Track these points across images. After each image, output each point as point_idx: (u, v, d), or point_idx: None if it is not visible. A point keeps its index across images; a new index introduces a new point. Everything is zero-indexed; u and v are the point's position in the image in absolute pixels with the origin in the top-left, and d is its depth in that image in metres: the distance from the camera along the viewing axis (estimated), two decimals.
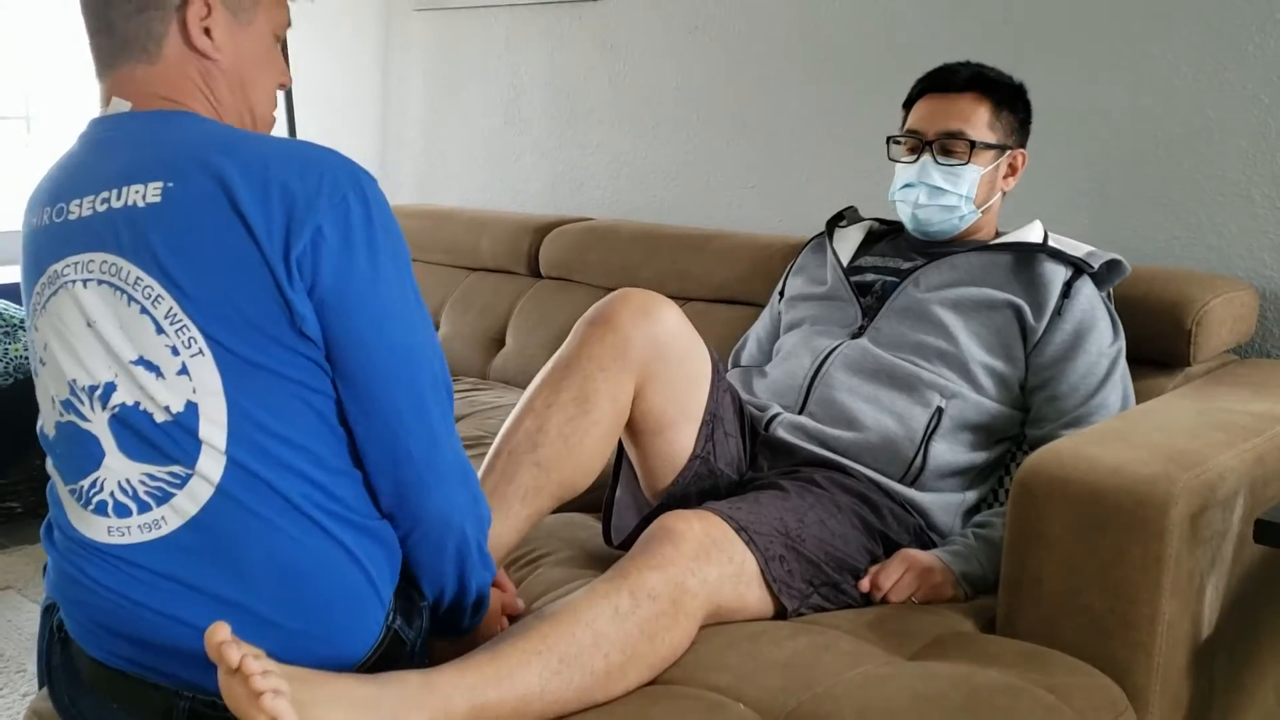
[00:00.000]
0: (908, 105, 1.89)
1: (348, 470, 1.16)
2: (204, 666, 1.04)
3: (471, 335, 2.84)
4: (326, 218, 1.08)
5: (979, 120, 1.80)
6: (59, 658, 1.23)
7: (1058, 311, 1.72)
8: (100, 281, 1.11)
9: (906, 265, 1.87)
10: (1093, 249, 1.80)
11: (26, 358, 2.83)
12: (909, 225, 1.88)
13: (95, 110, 1.23)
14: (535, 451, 1.51)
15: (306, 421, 1.12)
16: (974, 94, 1.81)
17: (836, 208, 2.08)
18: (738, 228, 2.60)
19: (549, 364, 1.58)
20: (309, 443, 1.13)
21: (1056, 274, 1.75)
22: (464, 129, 3.34)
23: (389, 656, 1.20)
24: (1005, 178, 1.85)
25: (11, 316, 2.86)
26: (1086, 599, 1.40)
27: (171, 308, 1.08)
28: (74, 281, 1.12)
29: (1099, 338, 1.72)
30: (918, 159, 1.82)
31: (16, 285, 3.14)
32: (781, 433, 1.72)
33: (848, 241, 1.98)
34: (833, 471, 1.67)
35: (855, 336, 1.82)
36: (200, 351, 1.09)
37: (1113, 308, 1.77)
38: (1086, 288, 1.74)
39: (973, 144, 1.79)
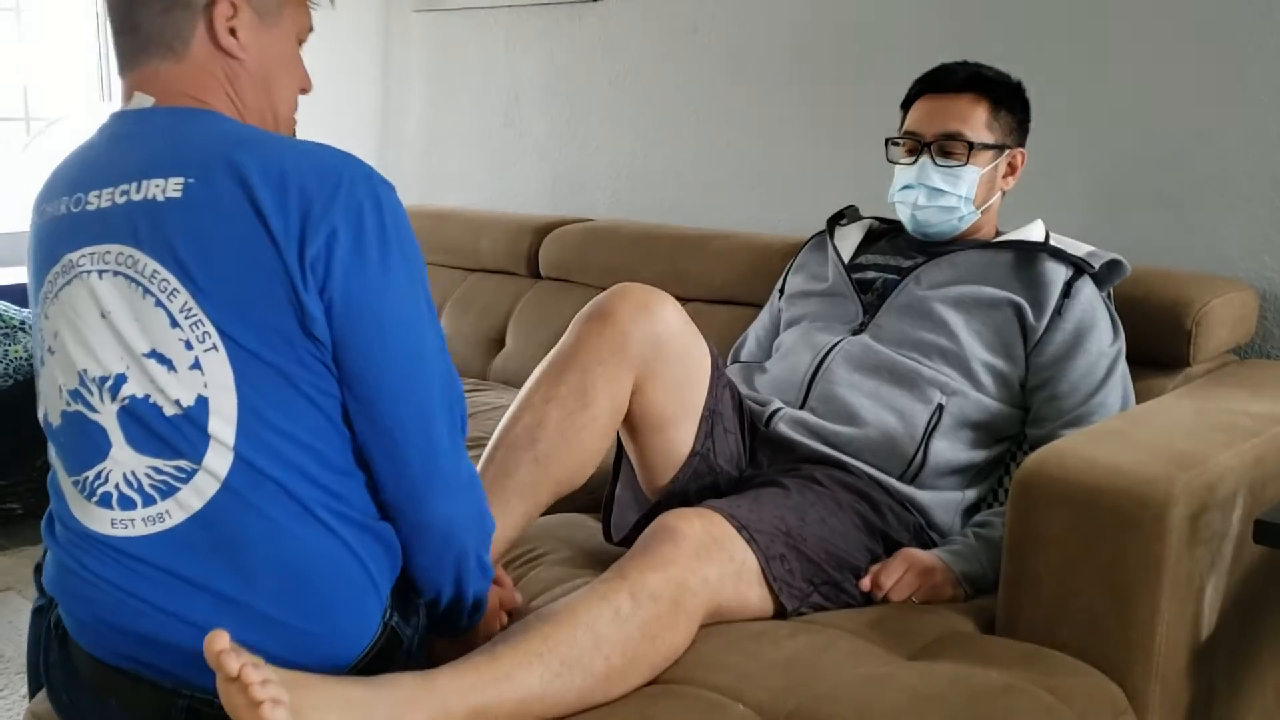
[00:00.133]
0: (905, 106, 1.89)
1: (352, 470, 1.17)
2: (202, 665, 1.04)
3: (471, 336, 2.84)
4: (341, 221, 1.09)
5: (977, 120, 1.80)
6: (56, 655, 1.23)
7: (1058, 311, 1.72)
8: (116, 273, 1.11)
9: (908, 263, 1.87)
10: (1094, 249, 1.80)
11: (26, 359, 2.83)
12: (909, 226, 1.88)
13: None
14: (533, 447, 1.51)
15: (314, 421, 1.13)
16: (972, 94, 1.81)
17: (836, 208, 2.08)
18: (737, 228, 2.60)
19: (547, 359, 1.57)
20: (315, 442, 1.13)
21: (1057, 273, 1.75)
22: (464, 130, 3.34)
23: (386, 653, 1.20)
24: (1005, 177, 1.85)
25: (11, 318, 2.86)
26: (1086, 599, 1.40)
27: (187, 302, 1.09)
28: (89, 272, 1.13)
29: (1099, 337, 1.72)
30: (916, 160, 1.82)
31: (16, 286, 3.16)
32: (783, 428, 1.72)
33: (848, 239, 1.98)
34: (833, 469, 1.67)
35: (856, 333, 1.82)
36: (214, 346, 1.09)
37: (1113, 308, 1.77)
38: (1087, 288, 1.74)
39: (971, 145, 1.79)
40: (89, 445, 1.13)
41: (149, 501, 1.11)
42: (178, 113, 1.17)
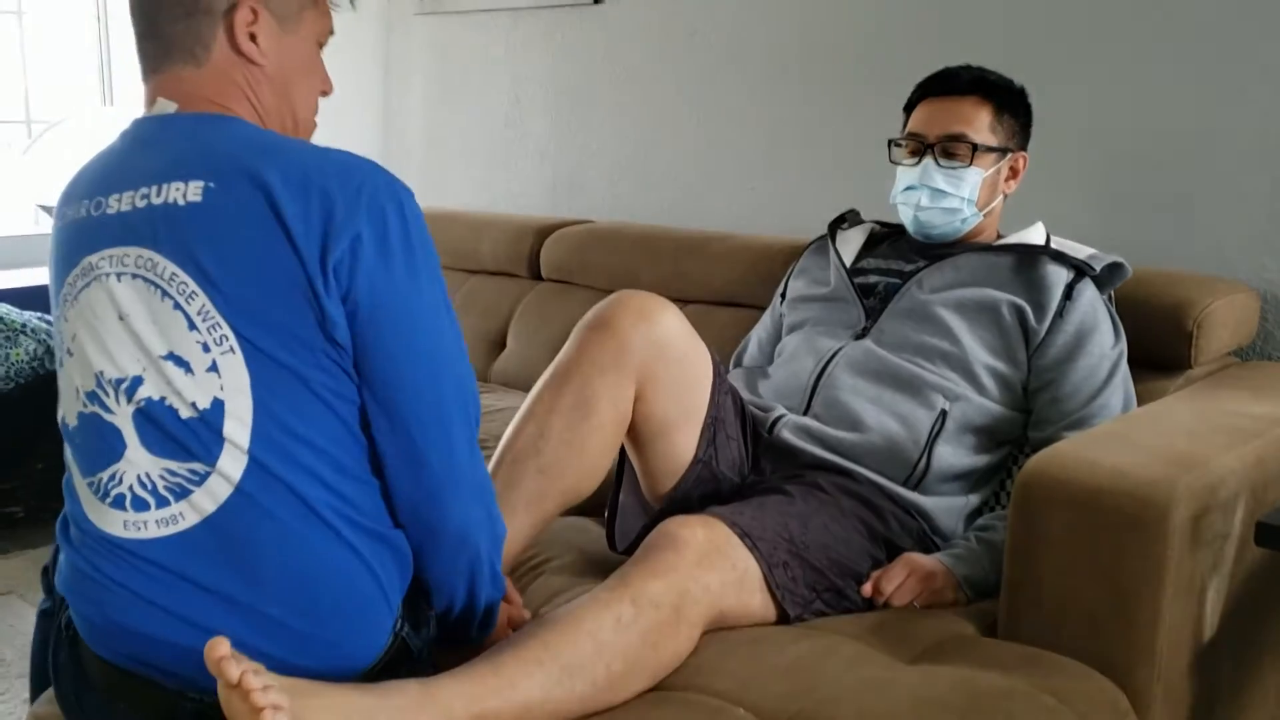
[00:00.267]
0: (909, 108, 1.89)
1: (366, 478, 1.17)
2: (207, 671, 1.04)
3: (473, 338, 2.84)
4: (366, 226, 1.10)
5: (980, 123, 1.80)
6: (66, 657, 1.23)
7: (1059, 314, 1.72)
8: (135, 276, 1.12)
9: (909, 267, 1.87)
10: (1095, 251, 1.80)
11: (28, 362, 2.83)
12: (911, 228, 1.88)
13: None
14: (538, 457, 1.51)
15: (329, 426, 1.13)
16: (976, 97, 1.81)
17: (837, 210, 2.08)
18: (738, 230, 2.60)
19: (549, 369, 1.58)
20: (330, 447, 1.13)
21: (1058, 276, 1.74)
22: (465, 132, 3.34)
23: (396, 664, 1.20)
24: (1007, 180, 1.85)
25: (13, 321, 2.86)
26: (1088, 602, 1.39)
27: (205, 305, 1.09)
28: (108, 275, 1.13)
29: (1101, 340, 1.72)
30: (919, 162, 1.82)
31: (18, 290, 3.15)
32: (786, 435, 1.72)
33: (850, 243, 1.98)
34: (837, 476, 1.67)
35: (859, 338, 1.82)
36: (231, 349, 1.09)
37: (1114, 310, 1.77)
38: (1088, 290, 1.74)
39: (974, 147, 1.79)
40: (104, 447, 1.14)
41: (162, 503, 1.12)
42: (199, 118, 1.18)
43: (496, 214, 3.10)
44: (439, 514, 1.19)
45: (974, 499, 1.73)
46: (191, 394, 1.10)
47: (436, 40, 3.37)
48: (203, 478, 1.11)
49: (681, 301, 2.35)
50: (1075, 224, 2.06)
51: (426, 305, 1.15)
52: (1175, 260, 2.04)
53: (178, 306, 1.10)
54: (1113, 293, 1.80)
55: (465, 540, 1.22)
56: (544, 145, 3.13)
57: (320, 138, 1.32)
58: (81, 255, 1.16)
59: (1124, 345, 1.75)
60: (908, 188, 1.84)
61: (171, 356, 1.10)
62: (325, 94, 1.31)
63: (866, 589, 1.55)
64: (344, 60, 3.60)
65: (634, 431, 1.60)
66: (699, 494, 1.62)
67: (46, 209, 3.42)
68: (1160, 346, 1.84)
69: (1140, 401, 1.74)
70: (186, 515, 1.11)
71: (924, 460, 1.69)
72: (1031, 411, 1.75)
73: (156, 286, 1.11)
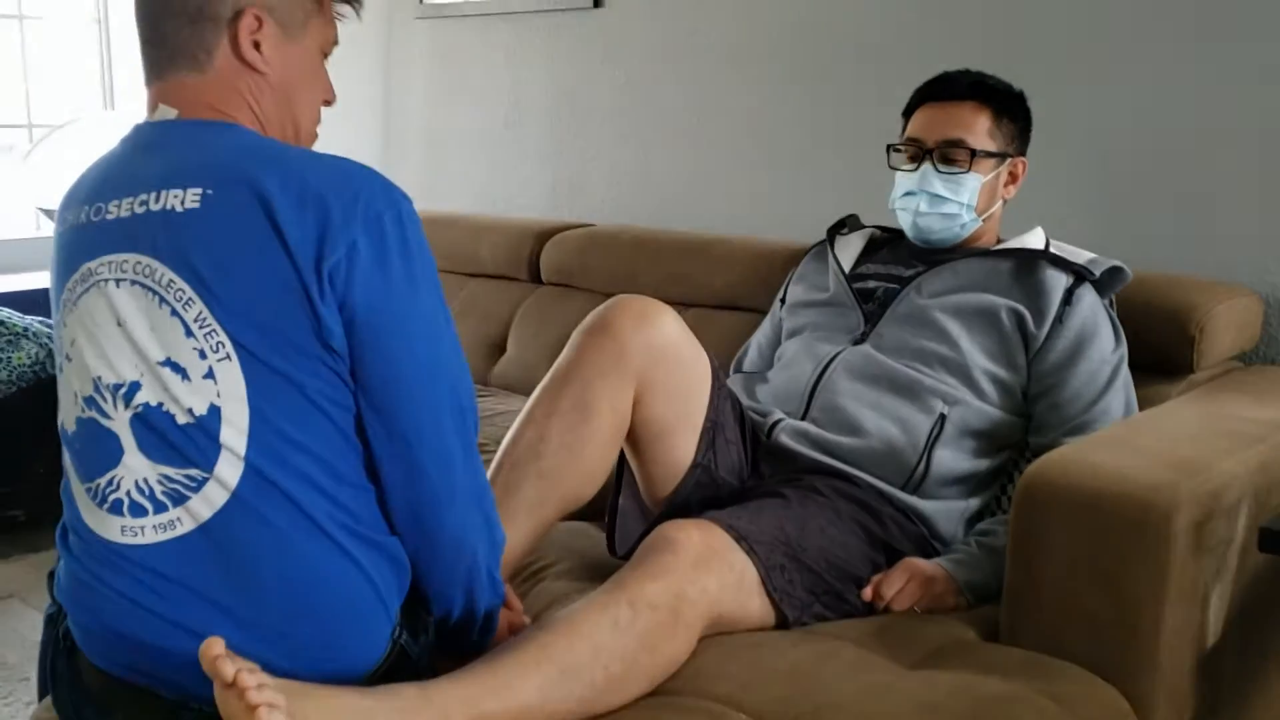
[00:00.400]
0: (907, 113, 1.89)
1: (362, 484, 1.17)
2: (207, 677, 1.04)
3: (472, 341, 2.84)
4: (361, 233, 1.10)
5: (979, 128, 1.80)
6: (63, 666, 1.23)
7: (1059, 319, 1.72)
8: (133, 282, 1.12)
9: (908, 272, 1.86)
10: (1094, 256, 1.79)
11: (29, 366, 2.83)
12: (910, 233, 1.87)
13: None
14: (538, 462, 1.50)
15: (325, 432, 1.13)
16: (974, 102, 1.81)
17: (837, 215, 2.08)
18: (739, 234, 2.59)
19: (548, 374, 1.57)
20: (326, 454, 1.13)
21: (1058, 281, 1.74)
22: (465, 135, 3.34)
23: (395, 671, 1.19)
24: (1006, 185, 1.85)
25: (14, 325, 2.86)
26: (1090, 607, 1.39)
27: (201, 311, 1.10)
28: (107, 281, 1.14)
29: (1101, 345, 1.71)
30: (918, 167, 1.82)
31: (19, 293, 3.15)
32: (784, 439, 1.72)
33: (849, 249, 1.98)
34: (835, 479, 1.67)
35: (858, 343, 1.81)
36: (227, 356, 1.10)
37: (1115, 315, 1.77)
38: (1088, 295, 1.73)
39: (973, 152, 1.79)
40: (102, 452, 1.14)
41: (160, 509, 1.12)
42: (200, 125, 1.19)
43: (496, 217, 3.10)
44: (436, 521, 1.19)
45: (974, 503, 1.73)
46: (188, 400, 1.10)
47: (437, 43, 3.37)
48: (200, 484, 1.11)
49: (682, 305, 2.35)
50: (1076, 228, 2.06)
51: (423, 313, 1.15)
52: (1178, 264, 2.03)
53: (175, 313, 1.10)
54: (1114, 297, 1.80)
55: (462, 546, 1.22)
56: (544, 148, 3.13)
57: (321, 141, 1.32)
58: (81, 261, 1.17)
59: (1125, 350, 1.74)
60: (906, 193, 1.84)
61: (169, 363, 1.11)
62: (328, 103, 1.31)
63: (867, 593, 1.55)
64: (345, 63, 3.60)
65: (633, 435, 1.60)
66: (698, 498, 1.62)
67: (48, 213, 3.42)
68: (1163, 351, 1.84)
69: (1142, 406, 1.74)
70: (184, 521, 1.11)
71: (923, 464, 1.68)
72: (1032, 417, 1.75)
73: (154, 293, 1.11)
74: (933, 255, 1.86)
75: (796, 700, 1.27)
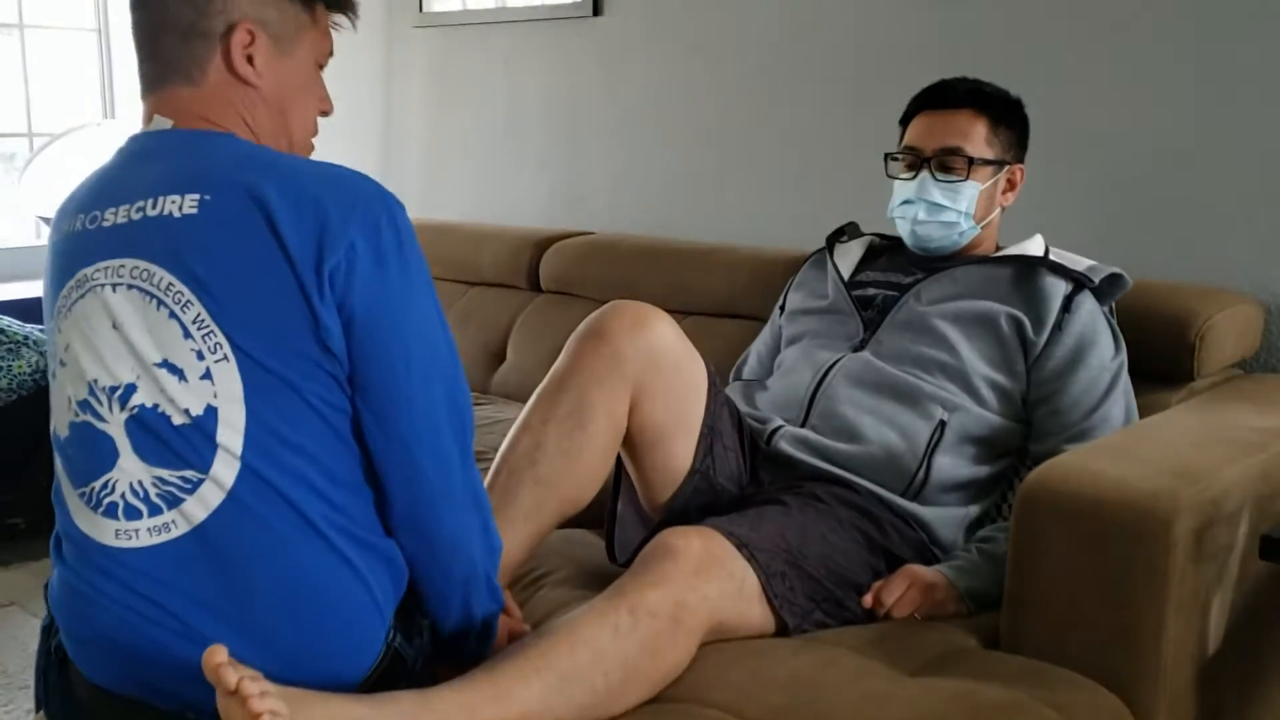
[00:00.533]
0: (904, 121, 1.89)
1: (358, 486, 1.17)
2: (203, 683, 1.04)
3: (472, 349, 2.84)
4: (359, 235, 1.11)
5: (977, 136, 1.80)
6: (55, 678, 1.23)
7: (1058, 326, 1.72)
8: (130, 286, 1.13)
9: (907, 279, 1.86)
10: (1094, 263, 1.80)
11: (29, 374, 2.83)
12: (908, 241, 1.87)
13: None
14: (534, 468, 1.50)
15: (321, 434, 1.13)
16: (971, 110, 1.81)
17: (837, 222, 2.08)
18: (738, 241, 2.59)
19: (544, 380, 1.58)
20: (322, 454, 1.14)
21: (1057, 288, 1.74)
22: (464, 144, 3.34)
23: (390, 675, 1.19)
24: (1004, 193, 1.85)
25: (15, 333, 2.86)
26: (1091, 614, 1.39)
27: (200, 313, 1.10)
28: (103, 285, 1.14)
29: (1100, 352, 1.71)
30: (916, 175, 1.82)
31: (19, 301, 3.15)
32: (784, 446, 1.72)
33: (849, 256, 1.98)
34: (835, 486, 1.67)
35: (857, 350, 1.81)
36: (225, 357, 1.10)
37: (1114, 322, 1.77)
38: (1087, 302, 1.73)
39: (971, 160, 1.79)
40: (97, 455, 1.14)
41: (155, 511, 1.12)
42: (195, 134, 1.20)
43: (496, 225, 3.11)
44: (433, 521, 1.19)
45: (974, 510, 1.73)
46: (185, 400, 1.10)
47: (436, 52, 3.37)
48: (195, 485, 1.11)
49: (681, 313, 2.35)
50: (1076, 235, 2.06)
51: (420, 313, 1.16)
52: (1178, 272, 2.03)
53: (173, 315, 1.11)
54: (1114, 304, 1.80)
55: (460, 548, 1.22)
56: (543, 157, 3.13)
57: (320, 150, 1.32)
58: (77, 268, 1.17)
59: (1124, 357, 1.74)
60: (905, 201, 1.84)
61: (165, 364, 1.11)
62: (325, 114, 1.32)
63: (867, 600, 1.54)
64: (344, 72, 3.60)
65: (630, 441, 1.60)
66: (697, 505, 1.62)
67: (48, 220, 3.42)
68: (1163, 358, 1.84)
69: (1143, 413, 1.73)
70: (178, 524, 1.11)
71: (922, 471, 1.68)
72: (1032, 424, 1.75)
73: (152, 296, 1.12)
74: (932, 262, 1.86)
75: (797, 708, 1.27)
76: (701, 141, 2.78)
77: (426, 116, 3.44)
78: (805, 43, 2.55)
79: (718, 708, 1.28)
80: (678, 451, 1.61)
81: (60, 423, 1.19)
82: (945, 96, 1.84)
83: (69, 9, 3.85)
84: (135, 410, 1.12)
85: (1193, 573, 1.37)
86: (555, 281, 2.78)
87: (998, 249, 1.88)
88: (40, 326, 2.94)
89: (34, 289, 3.23)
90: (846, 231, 2.05)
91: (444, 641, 1.28)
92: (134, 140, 1.23)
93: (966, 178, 1.80)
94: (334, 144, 3.53)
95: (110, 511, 1.13)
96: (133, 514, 1.12)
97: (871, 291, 1.89)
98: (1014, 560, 1.45)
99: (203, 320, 1.10)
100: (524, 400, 1.62)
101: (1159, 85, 2.07)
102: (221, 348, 1.10)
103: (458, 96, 3.33)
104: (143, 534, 1.12)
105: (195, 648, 1.06)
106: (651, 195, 2.90)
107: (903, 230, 1.87)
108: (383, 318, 1.13)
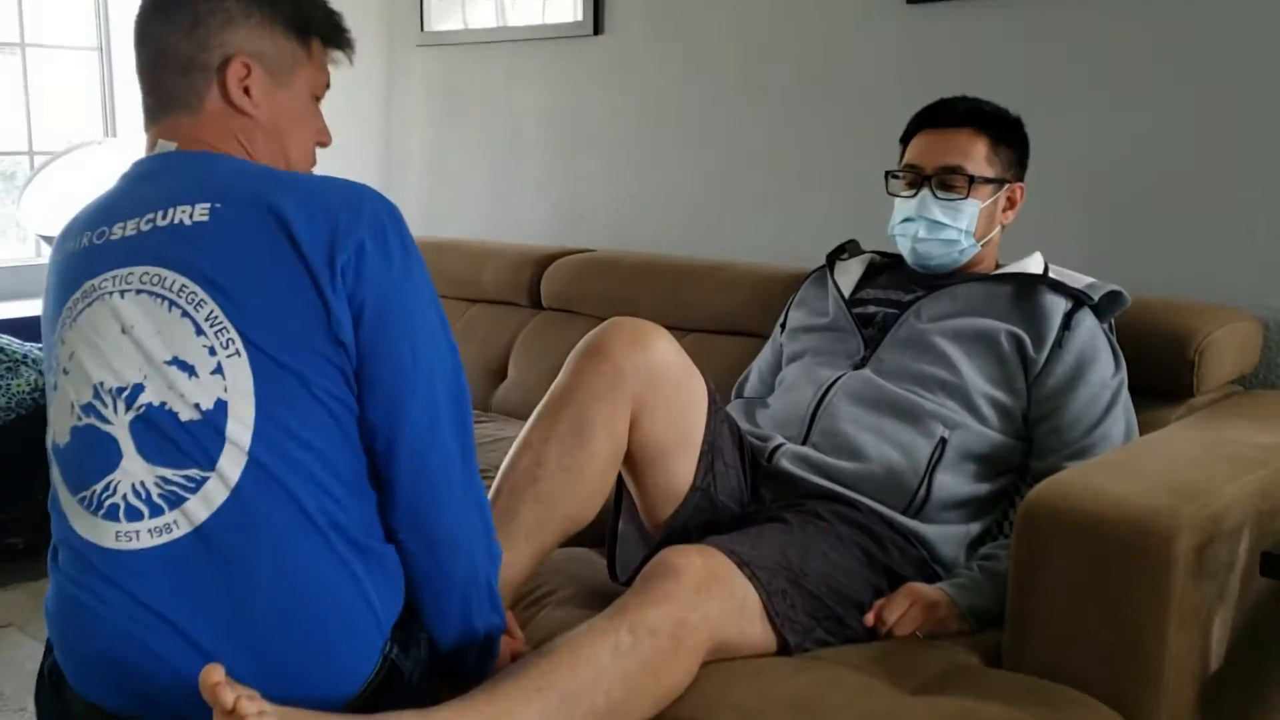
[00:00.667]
0: (905, 140, 1.90)
1: (361, 487, 1.19)
2: (200, 700, 1.04)
3: (473, 367, 2.84)
4: (368, 234, 1.16)
5: (977, 154, 1.81)
6: (49, 699, 1.23)
7: (1058, 343, 1.72)
8: (139, 291, 1.15)
9: (908, 297, 1.87)
10: (1093, 280, 1.80)
11: (29, 393, 2.83)
12: (909, 259, 1.88)
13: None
14: (535, 486, 1.50)
15: (327, 429, 1.15)
16: (971, 128, 1.82)
17: (837, 240, 2.08)
18: (739, 259, 2.60)
19: (544, 398, 1.58)
20: (328, 450, 1.15)
21: (1057, 306, 1.74)
22: (465, 162, 3.35)
23: (386, 688, 1.19)
24: (1004, 211, 1.86)
25: (14, 352, 2.86)
26: (1092, 632, 1.38)
27: (213, 311, 1.13)
28: (111, 293, 1.16)
29: (1100, 369, 1.71)
30: (917, 193, 1.83)
31: (19, 320, 3.15)
32: (785, 464, 1.72)
33: (849, 274, 1.98)
34: (836, 504, 1.66)
35: (858, 367, 1.82)
36: (237, 353, 1.12)
37: (1114, 339, 1.77)
38: (1087, 319, 1.74)
39: (971, 178, 1.80)
40: (99, 458, 1.14)
41: (156, 512, 1.12)
42: (198, 154, 1.24)
43: (497, 243, 3.11)
44: (435, 516, 1.21)
45: (975, 527, 1.72)
46: (195, 396, 1.12)
47: (437, 71, 3.39)
48: (199, 484, 1.12)
49: (682, 330, 2.36)
50: (1075, 253, 2.06)
51: (424, 310, 1.20)
52: (1177, 289, 2.03)
53: (186, 314, 1.13)
54: (1113, 321, 1.80)
55: (459, 546, 1.23)
56: (544, 175, 3.14)
57: (322, 168, 1.35)
58: (83, 280, 1.19)
59: (1124, 374, 1.74)
60: (905, 219, 1.85)
61: (175, 361, 1.13)
62: (322, 145, 1.37)
63: (869, 618, 1.54)
64: (346, 92, 3.61)
65: (630, 458, 1.60)
66: (698, 523, 1.62)
67: (48, 239, 3.43)
68: (1162, 375, 1.84)
69: (1143, 430, 1.73)
70: (179, 524, 1.12)
71: (924, 488, 1.68)
72: (1032, 441, 1.75)
73: (164, 299, 1.14)
74: (932, 280, 1.87)
75: None
76: (702, 160, 2.78)
77: (428, 135, 3.45)
78: (806, 60, 2.56)
79: None
80: (678, 469, 1.61)
81: (60, 430, 1.19)
82: (946, 115, 1.84)
83: (71, 29, 3.87)
84: (142, 409, 1.13)
85: (1194, 589, 1.37)
86: (556, 299, 2.78)
87: (997, 267, 1.89)
88: (39, 345, 2.94)
89: (33, 308, 3.23)
90: (847, 249, 2.05)
91: (445, 655, 1.28)
92: (139, 164, 1.26)
93: (967, 196, 1.80)
94: (335, 162, 3.53)
95: (111, 513, 1.13)
96: (134, 515, 1.13)
97: (872, 309, 1.89)
98: (1015, 577, 1.45)
99: (216, 317, 1.13)
100: (525, 417, 1.62)
101: (1157, 104, 2.08)
102: (234, 343, 1.12)
103: (459, 115, 3.34)
104: (143, 535, 1.12)
105: (193, 659, 1.06)
106: (652, 213, 2.91)
107: (903, 248, 1.88)
108: (390, 311, 1.16)
